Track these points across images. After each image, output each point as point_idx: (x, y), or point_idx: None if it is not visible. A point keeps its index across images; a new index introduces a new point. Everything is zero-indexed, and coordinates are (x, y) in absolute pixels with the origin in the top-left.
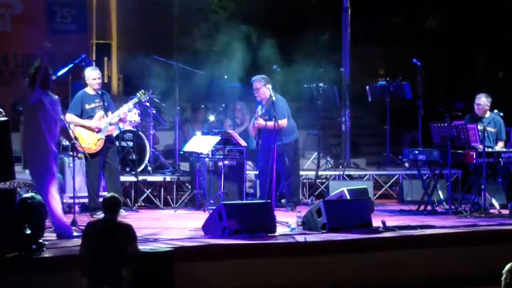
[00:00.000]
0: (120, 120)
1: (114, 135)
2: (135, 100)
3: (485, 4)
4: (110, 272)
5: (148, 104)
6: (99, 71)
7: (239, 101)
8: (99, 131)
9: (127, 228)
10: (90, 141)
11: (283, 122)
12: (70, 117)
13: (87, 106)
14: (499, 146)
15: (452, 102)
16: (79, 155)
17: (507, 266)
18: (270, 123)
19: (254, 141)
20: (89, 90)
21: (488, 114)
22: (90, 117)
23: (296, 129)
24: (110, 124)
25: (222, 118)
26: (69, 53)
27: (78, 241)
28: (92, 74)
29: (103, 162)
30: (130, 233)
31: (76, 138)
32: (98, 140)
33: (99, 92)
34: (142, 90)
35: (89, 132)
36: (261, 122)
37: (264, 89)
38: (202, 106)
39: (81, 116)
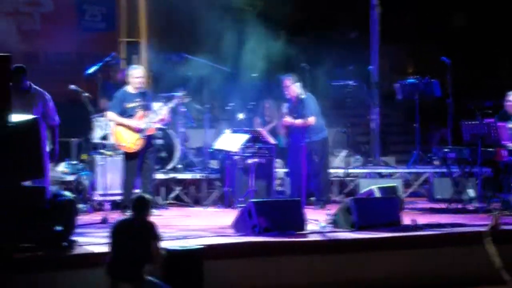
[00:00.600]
0: (161, 120)
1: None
2: (176, 101)
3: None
4: (131, 269)
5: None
6: (142, 69)
7: (268, 99)
8: (139, 131)
9: (150, 226)
10: (129, 140)
11: (311, 120)
12: (110, 115)
13: (127, 105)
14: None
15: (480, 100)
16: (109, 152)
17: None
18: (298, 121)
19: (283, 139)
20: (130, 88)
21: None
22: (130, 116)
23: (325, 127)
24: (151, 124)
25: (251, 116)
26: (98, 52)
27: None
28: (134, 73)
29: (141, 161)
30: (152, 232)
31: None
32: (138, 139)
33: (140, 91)
34: (183, 92)
35: (129, 131)
36: (288, 120)
37: (293, 87)
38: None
39: (121, 115)
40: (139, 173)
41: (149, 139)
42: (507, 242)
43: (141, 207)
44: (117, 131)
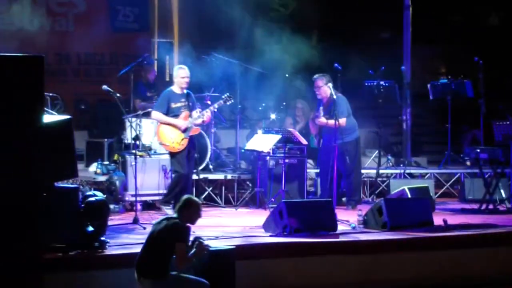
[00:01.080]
0: (203, 121)
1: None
2: (221, 102)
3: None
4: (152, 266)
5: (209, 102)
6: (188, 70)
7: (300, 99)
8: (185, 130)
9: (181, 228)
10: (174, 140)
11: (343, 121)
12: (156, 114)
13: (173, 105)
14: None
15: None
16: (141, 153)
17: None
18: (331, 121)
19: (314, 139)
20: (175, 88)
21: None
22: (175, 116)
23: (357, 127)
24: (195, 124)
25: (283, 116)
26: (131, 52)
27: (139, 239)
28: (180, 73)
29: (187, 159)
30: (181, 234)
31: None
32: (182, 139)
33: (185, 91)
34: (228, 94)
35: (174, 130)
36: (322, 120)
37: (325, 88)
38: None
39: (166, 114)
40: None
41: (192, 139)
42: None
43: (184, 207)
44: (161, 131)
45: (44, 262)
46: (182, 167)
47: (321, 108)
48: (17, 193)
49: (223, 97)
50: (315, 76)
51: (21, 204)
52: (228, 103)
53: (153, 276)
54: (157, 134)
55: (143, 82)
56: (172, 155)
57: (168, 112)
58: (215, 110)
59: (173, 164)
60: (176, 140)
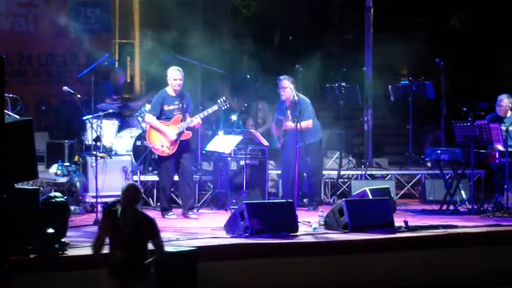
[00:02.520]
0: (194, 126)
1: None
2: (215, 107)
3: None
4: (138, 268)
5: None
6: (182, 72)
7: (261, 101)
8: (173, 142)
9: (152, 222)
10: (164, 144)
11: (309, 123)
12: (149, 118)
13: (166, 107)
14: None
15: (475, 102)
16: (102, 154)
17: None
18: (299, 126)
19: (277, 141)
20: (169, 90)
21: (509, 113)
22: (168, 118)
23: (320, 129)
24: (187, 128)
25: (244, 118)
26: (92, 53)
27: None
28: (173, 75)
29: (175, 163)
30: (154, 228)
31: None
32: (172, 144)
33: (180, 93)
34: (223, 98)
35: (164, 135)
36: (290, 124)
37: (289, 89)
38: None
39: (159, 117)
40: (174, 175)
41: (184, 143)
42: (501, 244)
43: (132, 196)
44: (152, 134)
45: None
46: (167, 176)
47: (288, 112)
48: None
49: (218, 101)
50: (281, 77)
51: None
52: (223, 108)
53: (142, 278)
54: (147, 137)
55: (110, 83)
56: (161, 159)
57: (161, 114)
58: (209, 113)
59: (159, 172)
60: (166, 144)
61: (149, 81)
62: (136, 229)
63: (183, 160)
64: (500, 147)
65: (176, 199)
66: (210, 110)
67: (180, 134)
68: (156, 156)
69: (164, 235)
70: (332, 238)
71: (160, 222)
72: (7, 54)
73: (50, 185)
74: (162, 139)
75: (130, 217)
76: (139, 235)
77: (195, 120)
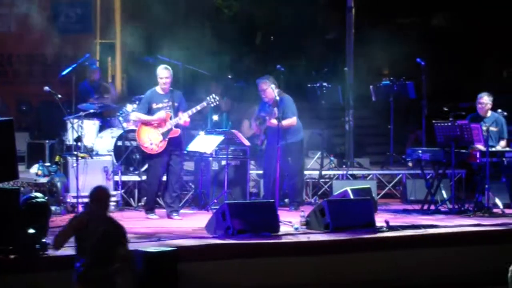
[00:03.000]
0: (185, 122)
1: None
2: (204, 104)
3: (491, 3)
4: (102, 274)
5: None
6: (170, 70)
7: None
8: (163, 133)
9: (121, 229)
10: (153, 142)
11: (293, 120)
12: (135, 115)
13: (154, 106)
14: (501, 145)
15: (457, 102)
16: (83, 154)
17: None
18: (285, 122)
19: (258, 138)
20: (158, 89)
21: (489, 113)
22: None
23: (302, 129)
24: (176, 126)
25: (234, 119)
26: (73, 53)
27: None
28: (160, 73)
29: (166, 163)
30: (123, 234)
31: None
32: (161, 141)
33: (169, 92)
34: (213, 95)
35: (153, 131)
36: (275, 122)
37: (269, 90)
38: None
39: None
40: (163, 175)
41: (174, 141)
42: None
43: (101, 199)
44: (141, 131)
45: None
46: (154, 174)
47: (275, 109)
48: None
49: (207, 98)
50: (258, 79)
51: None
52: (212, 105)
53: (106, 284)
54: (137, 134)
55: (89, 83)
56: (149, 157)
57: (150, 113)
58: (198, 110)
59: (148, 171)
60: (155, 142)
61: (130, 81)
62: (104, 234)
63: (173, 163)
64: (481, 147)
65: (159, 200)
66: (198, 107)
67: (168, 131)
68: (138, 156)
69: (144, 235)
70: (313, 238)
71: (142, 222)
72: None
73: (31, 185)
74: (151, 136)
75: (99, 222)
76: (106, 241)
77: (183, 118)
